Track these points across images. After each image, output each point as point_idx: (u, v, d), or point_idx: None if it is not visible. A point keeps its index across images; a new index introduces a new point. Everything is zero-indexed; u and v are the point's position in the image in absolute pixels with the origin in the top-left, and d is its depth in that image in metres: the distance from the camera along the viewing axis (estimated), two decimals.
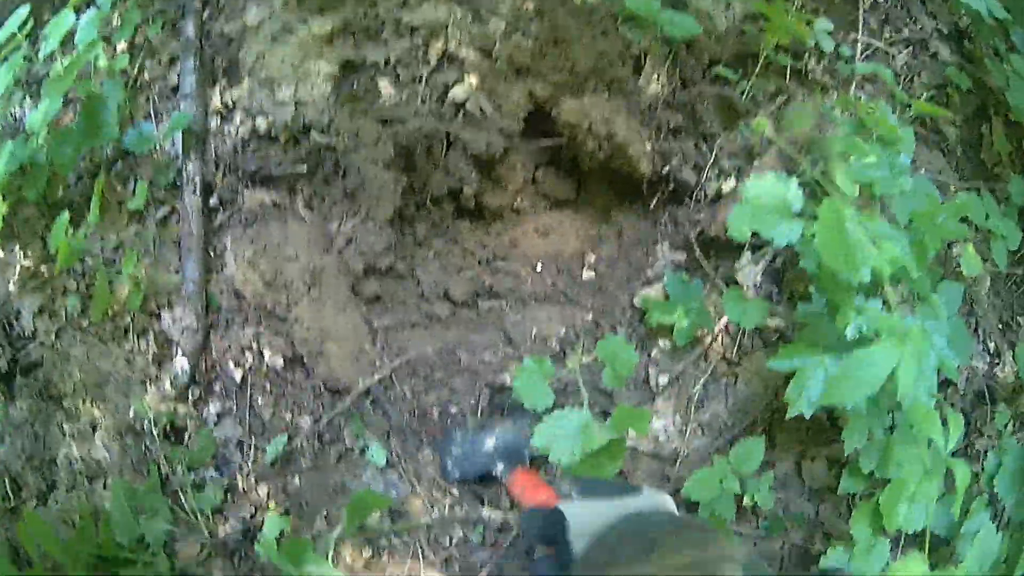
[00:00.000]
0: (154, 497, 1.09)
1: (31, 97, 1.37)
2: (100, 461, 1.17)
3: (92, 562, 1.10)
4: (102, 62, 1.28)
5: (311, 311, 1.05)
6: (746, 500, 1.06)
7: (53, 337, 1.24)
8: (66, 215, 1.15)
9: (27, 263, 1.29)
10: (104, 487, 1.17)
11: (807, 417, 0.94)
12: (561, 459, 0.88)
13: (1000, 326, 1.35)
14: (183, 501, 1.09)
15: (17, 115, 1.37)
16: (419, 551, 1.05)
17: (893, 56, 1.36)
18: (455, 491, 1.06)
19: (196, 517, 1.08)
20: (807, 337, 0.98)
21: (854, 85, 1.30)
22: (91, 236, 1.20)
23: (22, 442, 1.24)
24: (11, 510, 1.23)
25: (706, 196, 1.10)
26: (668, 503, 0.68)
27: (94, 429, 1.19)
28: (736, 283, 1.08)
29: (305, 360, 1.05)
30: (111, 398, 1.17)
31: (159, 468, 1.09)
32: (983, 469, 1.19)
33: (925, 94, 1.35)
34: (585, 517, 0.64)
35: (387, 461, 1.04)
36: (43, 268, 1.28)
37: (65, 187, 1.29)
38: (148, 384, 1.13)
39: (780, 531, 1.11)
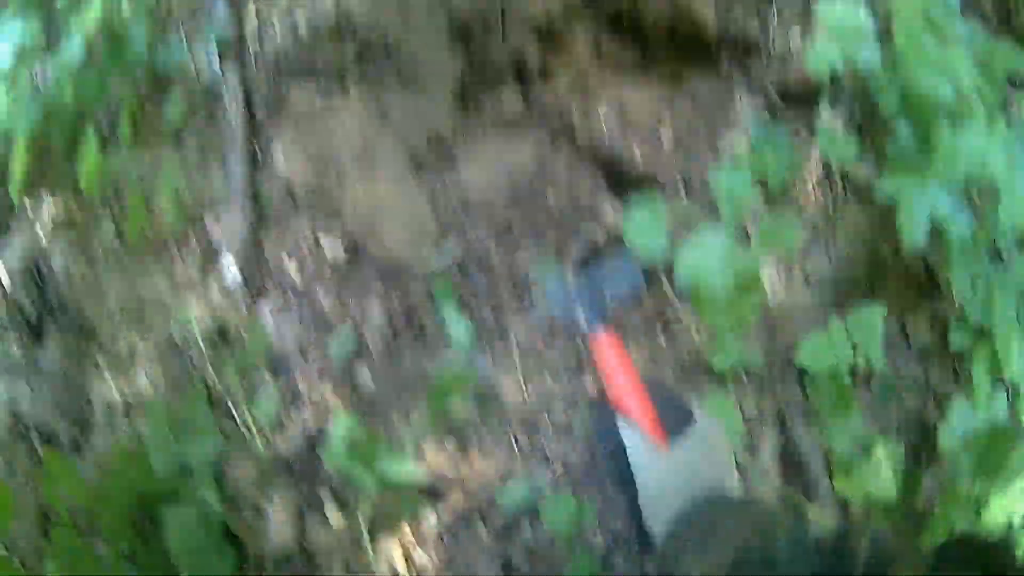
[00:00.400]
0: (199, 414, 0.97)
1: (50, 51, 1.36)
2: (140, 392, 1.07)
3: (128, 505, 0.98)
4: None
5: (365, 186, 0.98)
6: (858, 360, 0.97)
7: (87, 272, 1.16)
8: (94, 139, 1.11)
9: (57, 208, 1.23)
10: (144, 419, 1.06)
11: (921, 245, 0.88)
12: (713, 292, 0.79)
13: None
14: (234, 415, 0.98)
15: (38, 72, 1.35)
16: (513, 442, 0.94)
17: None
18: (550, 366, 0.95)
19: (250, 433, 0.97)
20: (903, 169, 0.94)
21: None
22: (123, 158, 1.15)
23: (51, 389, 1.13)
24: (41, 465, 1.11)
25: (775, 51, 1.07)
26: (718, 435, 0.69)
27: (133, 358, 1.09)
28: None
29: (362, 242, 0.98)
30: (151, 320, 1.08)
31: (205, 381, 0.99)
32: None
33: None
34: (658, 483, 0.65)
35: (470, 341, 0.94)
36: (73, 207, 1.22)
37: (95, 128, 1.25)
38: (193, 293, 1.04)
39: (893, 397, 1.01)
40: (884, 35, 0.95)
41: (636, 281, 0.97)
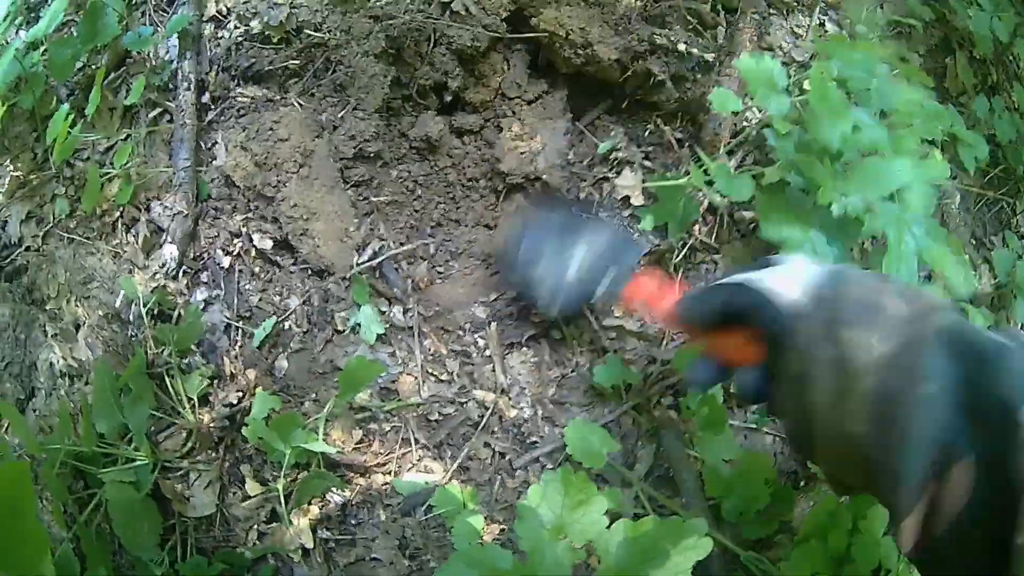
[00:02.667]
0: (139, 380, 1.05)
1: (28, 24, 1.41)
2: (83, 361, 1.15)
3: (70, 462, 1.07)
4: None
5: (300, 190, 1.05)
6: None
7: (40, 241, 1.24)
8: (66, 108, 1.17)
9: (17, 174, 1.30)
10: (87, 385, 1.14)
11: None
12: None
13: (973, 242, 1.39)
14: (168, 388, 1.07)
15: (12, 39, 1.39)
16: (410, 435, 1.03)
17: None
18: (448, 369, 1.05)
19: (182, 404, 1.06)
20: (790, 215, 1.01)
21: (817, 10, 1.37)
22: (84, 135, 1.21)
23: (2, 348, 1.21)
24: None
25: (682, 99, 1.13)
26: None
27: (77, 328, 1.17)
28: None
29: (292, 240, 1.05)
30: (96, 295, 1.16)
31: (145, 351, 1.07)
32: None
33: (888, 26, 1.43)
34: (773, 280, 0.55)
35: (379, 337, 1.03)
36: (32, 177, 1.28)
37: (59, 101, 1.30)
38: (136, 271, 1.12)
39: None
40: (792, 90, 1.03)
41: (638, 250, 0.97)
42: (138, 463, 1.06)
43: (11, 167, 1.32)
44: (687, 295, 0.65)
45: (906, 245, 0.94)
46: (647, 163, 1.15)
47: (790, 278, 0.54)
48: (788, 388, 0.51)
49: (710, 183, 1.07)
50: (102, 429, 1.06)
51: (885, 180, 0.92)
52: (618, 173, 1.13)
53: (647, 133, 1.16)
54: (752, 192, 1.02)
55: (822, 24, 1.39)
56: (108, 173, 1.18)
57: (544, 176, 1.06)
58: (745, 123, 1.18)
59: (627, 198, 1.11)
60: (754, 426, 1.09)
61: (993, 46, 1.44)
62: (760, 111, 1.19)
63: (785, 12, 1.37)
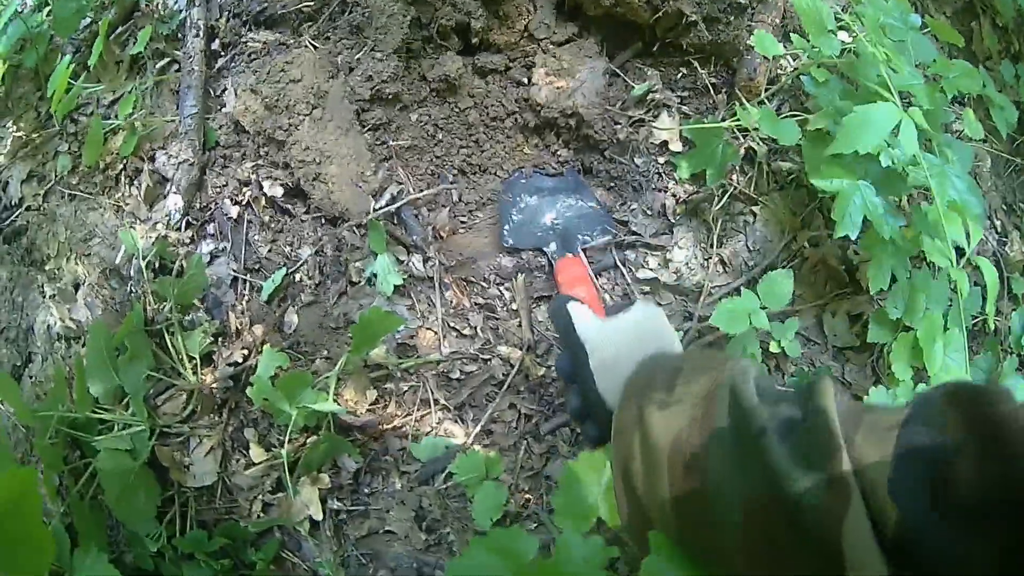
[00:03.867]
0: (136, 338, 0.97)
1: None
2: (81, 323, 1.08)
3: (63, 429, 0.99)
4: None
5: (313, 132, 0.97)
6: (773, 346, 0.96)
7: (40, 200, 1.17)
8: (68, 58, 1.11)
9: (19, 134, 1.24)
10: (84, 347, 1.07)
11: (852, 237, 0.88)
12: None
13: (1004, 207, 1.30)
14: (168, 347, 0.99)
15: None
16: (429, 395, 0.94)
17: None
18: (471, 323, 0.95)
19: (183, 364, 0.97)
20: (837, 165, 0.93)
21: None
22: (87, 88, 1.15)
23: None
24: None
25: (715, 41, 1.05)
26: (661, 315, 0.67)
27: (77, 288, 1.10)
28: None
29: (304, 185, 0.97)
30: (96, 252, 1.09)
31: (145, 307, 0.99)
32: (1007, 334, 1.11)
33: None
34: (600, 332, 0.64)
35: (396, 289, 0.94)
36: (35, 135, 1.23)
37: (63, 58, 1.25)
38: (138, 223, 1.05)
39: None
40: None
41: (610, 232, 0.99)
42: (134, 429, 0.98)
43: (14, 127, 1.26)
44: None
45: (947, 196, 0.88)
46: (683, 108, 1.06)
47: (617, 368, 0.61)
48: None
49: (745, 131, 1.00)
50: (97, 392, 0.98)
51: (880, 123, 0.84)
52: (655, 117, 1.04)
53: (680, 77, 1.08)
54: (797, 136, 0.95)
55: None
56: (112, 125, 1.11)
57: (582, 111, 0.97)
58: (779, 71, 1.10)
59: (665, 143, 1.02)
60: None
61: (1014, 14, 1.38)
62: (794, 60, 1.12)
63: None
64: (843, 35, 1.07)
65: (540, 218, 0.98)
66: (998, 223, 1.24)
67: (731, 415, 0.43)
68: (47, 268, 1.13)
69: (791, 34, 1.05)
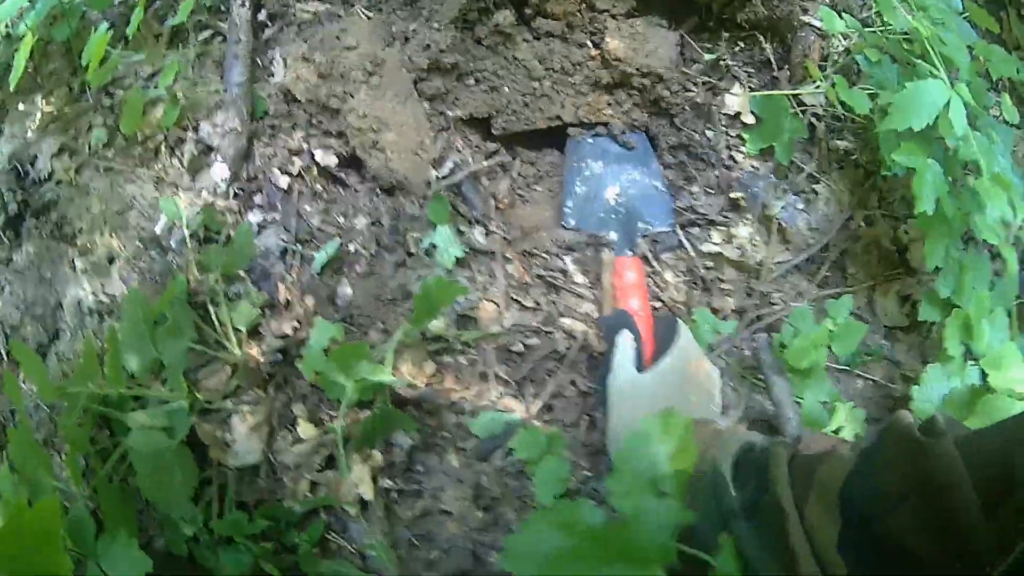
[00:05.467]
0: (178, 309, 0.93)
1: None
2: (115, 297, 1.03)
3: (93, 407, 0.94)
4: None
5: (369, 100, 0.95)
6: (828, 324, 0.96)
7: (72, 174, 1.13)
8: (104, 26, 1.08)
9: (50, 108, 1.20)
10: (117, 321, 1.02)
11: (930, 213, 0.88)
12: None
13: None
14: (212, 319, 0.94)
15: None
16: (489, 369, 0.91)
17: None
18: (533, 297, 0.93)
19: (228, 337, 0.93)
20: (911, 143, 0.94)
21: None
22: (125, 58, 1.12)
23: (24, 289, 1.10)
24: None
25: (771, 16, 1.05)
26: (697, 356, 0.73)
27: (111, 262, 1.05)
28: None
29: (360, 154, 0.95)
30: (134, 224, 1.05)
31: (187, 277, 0.95)
32: None
33: None
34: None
35: (458, 259, 0.92)
36: (67, 109, 1.19)
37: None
38: (180, 192, 1.01)
39: (859, 364, 1.00)
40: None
41: (669, 221, 0.97)
42: (172, 405, 0.93)
43: (44, 103, 1.22)
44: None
45: (995, 175, 0.90)
46: (750, 82, 1.06)
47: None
48: None
49: (805, 106, 1.00)
50: (132, 367, 0.93)
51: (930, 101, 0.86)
52: (728, 87, 1.03)
53: (738, 51, 1.08)
54: (869, 106, 0.95)
55: None
56: (152, 95, 1.08)
57: (660, 70, 0.96)
58: (831, 48, 1.11)
59: (738, 115, 1.02)
60: (847, 368, 0.99)
61: None
62: (845, 39, 1.13)
63: None
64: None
65: (603, 191, 0.96)
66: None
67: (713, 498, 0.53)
68: (79, 243, 1.08)
69: (842, 13, 1.06)
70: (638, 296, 0.87)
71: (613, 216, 0.96)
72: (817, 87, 0.98)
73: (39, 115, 1.21)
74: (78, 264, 1.07)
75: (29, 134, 1.19)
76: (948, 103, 0.84)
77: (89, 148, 1.14)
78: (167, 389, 0.94)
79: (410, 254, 0.93)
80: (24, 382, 1.06)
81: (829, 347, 0.96)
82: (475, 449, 0.88)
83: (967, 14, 1.15)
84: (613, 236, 0.94)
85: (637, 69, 0.96)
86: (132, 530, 0.95)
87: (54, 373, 1.05)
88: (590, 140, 0.99)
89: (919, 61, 0.94)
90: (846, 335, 0.94)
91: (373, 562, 0.89)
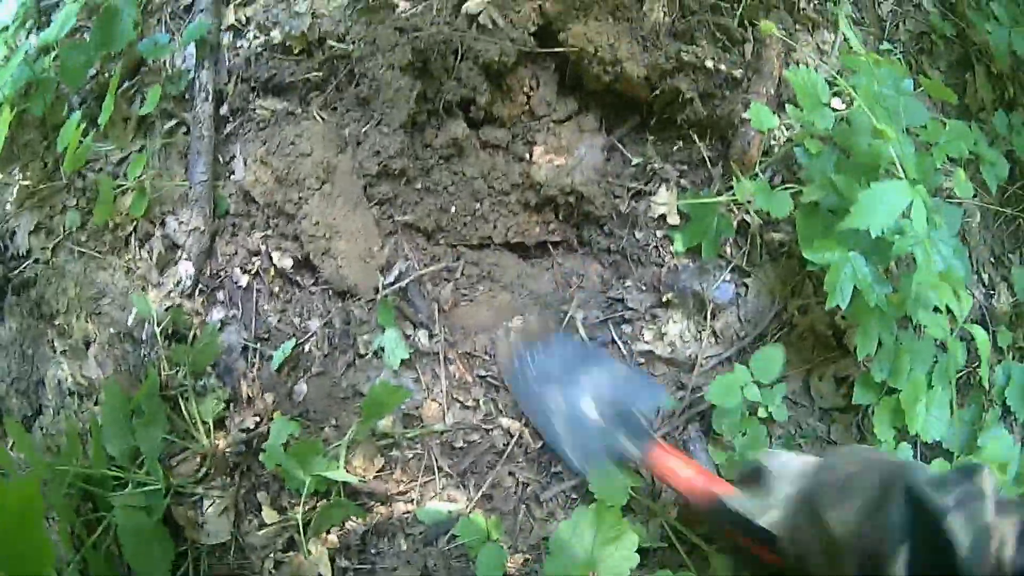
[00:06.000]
0: (152, 402, 1.02)
1: (39, 29, 1.37)
2: (92, 380, 1.12)
3: (78, 483, 1.04)
4: None
5: (322, 207, 1.02)
6: (761, 412, 1.03)
7: (49, 254, 1.20)
8: (78, 115, 1.13)
9: (26, 183, 1.26)
10: (96, 405, 1.11)
11: (842, 308, 0.92)
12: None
13: (992, 260, 1.37)
14: (182, 410, 1.03)
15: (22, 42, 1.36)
16: (433, 463, 1.00)
17: (879, 3, 1.42)
18: (474, 396, 1.02)
19: (197, 428, 1.02)
20: (830, 237, 0.98)
21: (842, 26, 1.34)
22: (97, 146, 1.18)
23: (8, 363, 1.18)
24: None
25: (711, 116, 1.10)
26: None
27: (87, 346, 1.13)
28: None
29: (313, 259, 1.02)
30: (107, 312, 1.13)
31: (159, 372, 1.04)
32: (991, 387, 1.18)
33: (910, 41, 1.41)
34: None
35: (402, 362, 1.00)
36: (42, 187, 1.25)
37: (70, 109, 1.27)
38: (150, 288, 1.09)
39: (793, 447, 1.08)
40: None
41: (659, 393, 1.01)
42: (150, 487, 1.03)
43: (20, 176, 1.28)
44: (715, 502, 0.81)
45: (934, 265, 0.92)
46: (681, 181, 1.12)
47: (767, 496, 0.75)
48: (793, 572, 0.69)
49: (739, 204, 1.05)
50: (113, 451, 1.03)
51: (892, 203, 0.88)
52: (654, 191, 1.10)
53: (676, 150, 1.14)
54: (790, 208, 1.00)
55: (847, 40, 1.36)
56: (122, 185, 1.14)
57: (581, 188, 1.03)
58: (773, 141, 1.16)
59: (663, 216, 1.09)
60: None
61: (1010, 60, 1.43)
62: (788, 129, 1.17)
63: (811, 28, 1.34)
64: (836, 101, 1.11)
65: (584, 417, 0.95)
66: (985, 276, 1.30)
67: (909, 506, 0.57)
68: (57, 323, 1.16)
69: (786, 104, 1.10)
70: (688, 465, 0.87)
71: (611, 428, 0.94)
72: (735, 196, 1.01)
73: (16, 189, 1.27)
74: (57, 345, 1.16)
75: (7, 208, 1.26)
76: (910, 205, 0.87)
77: (64, 229, 1.21)
78: (144, 473, 1.03)
79: (360, 355, 1.01)
80: (13, 451, 1.16)
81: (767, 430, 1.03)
82: (423, 534, 0.98)
83: (921, 89, 1.15)
84: (628, 444, 0.92)
85: (560, 190, 1.03)
86: None
87: (39, 446, 1.15)
88: (529, 374, 0.98)
89: (861, 153, 0.97)
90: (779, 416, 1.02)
91: None
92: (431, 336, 1.01)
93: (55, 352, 1.15)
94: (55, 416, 1.14)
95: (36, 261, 1.22)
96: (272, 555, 1.01)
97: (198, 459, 1.03)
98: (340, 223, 1.02)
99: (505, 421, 0.99)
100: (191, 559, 1.03)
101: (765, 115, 1.02)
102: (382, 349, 1.00)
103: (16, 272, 1.21)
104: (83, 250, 1.17)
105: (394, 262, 1.02)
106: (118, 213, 1.15)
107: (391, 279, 1.00)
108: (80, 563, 1.04)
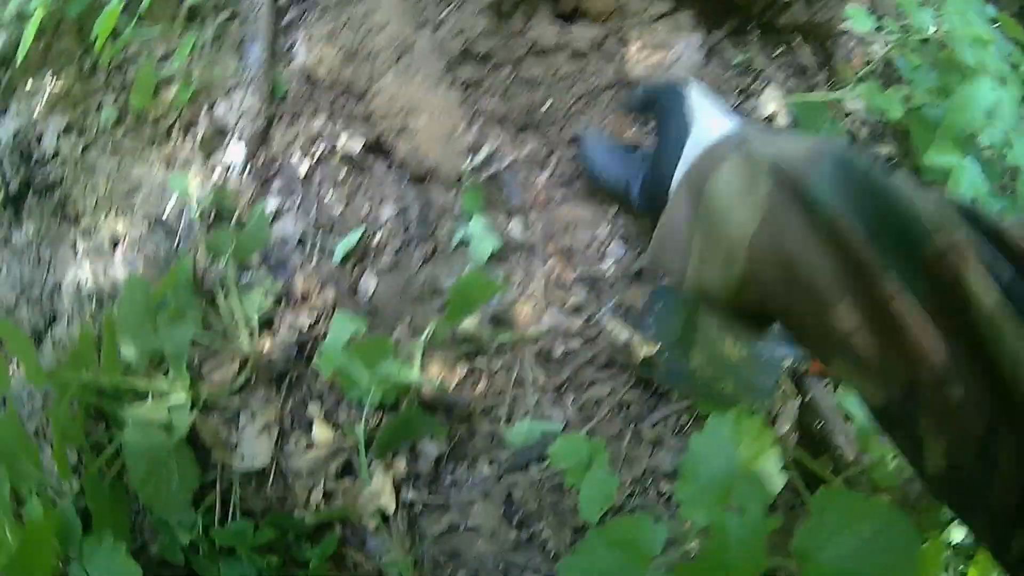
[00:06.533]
0: (183, 294, 0.86)
1: None
2: (117, 281, 0.96)
3: (87, 398, 0.87)
4: None
5: (398, 83, 0.89)
6: None
7: (79, 153, 1.06)
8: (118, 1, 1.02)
9: (59, 86, 1.14)
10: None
11: None
12: None
13: None
14: (220, 307, 0.87)
15: None
16: (526, 374, 0.83)
17: None
18: (574, 297, 0.85)
19: (237, 328, 0.86)
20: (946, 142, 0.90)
21: None
22: (138, 32, 1.05)
23: (21, 270, 1.02)
24: None
25: (811, 21, 1.00)
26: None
27: (115, 245, 0.98)
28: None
29: (386, 140, 0.88)
30: (141, 207, 0.98)
31: (194, 264, 0.88)
32: None
33: None
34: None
35: (493, 253, 0.84)
36: (76, 88, 1.12)
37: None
38: (194, 173, 0.94)
39: None
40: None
41: None
42: (173, 399, 0.86)
43: (52, 80, 1.16)
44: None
45: None
46: (788, 83, 1.01)
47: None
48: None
49: (847, 113, 0.96)
50: (130, 355, 0.86)
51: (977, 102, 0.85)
52: (760, 91, 0.98)
53: (778, 54, 1.02)
54: (902, 111, 0.91)
55: None
56: (166, 75, 1.02)
57: None
58: (871, 53, 1.07)
59: (772, 116, 0.96)
60: None
61: None
62: (887, 43, 1.09)
63: None
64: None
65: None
66: None
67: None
68: (82, 223, 1.02)
69: (882, 17, 1.02)
70: None
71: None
72: (852, 92, 0.94)
73: (47, 93, 1.14)
74: (80, 245, 1.00)
75: (36, 112, 1.13)
76: (1000, 101, 0.84)
77: (98, 127, 1.07)
78: (168, 381, 0.86)
79: (439, 247, 0.86)
80: (17, 366, 0.99)
81: None
82: (509, 460, 0.81)
83: (998, 24, 1.11)
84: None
85: None
86: (123, 533, 0.87)
87: (50, 359, 0.98)
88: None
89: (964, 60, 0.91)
90: None
91: None
92: (526, 226, 0.86)
93: (76, 253, 1.00)
94: (70, 325, 0.98)
95: (64, 162, 1.08)
96: (322, 484, 0.83)
97: (236, 365, 0.86)
98: (419, 100, 0.89)
99: (612, 327, 0.83)
100: (219, 489, 0.85)
101: (863, 17, 0.97)
102: (467, 240, 0.85)
103: (40, 175, 1.07)
104: (118, 146, 1.03)
105: (482, 144, 0.88)
106: (161, 104, 1.02)
107: (479, 162, 0.86)
108: (81, 493, 0.86)
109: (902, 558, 0.53)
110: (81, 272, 0.97)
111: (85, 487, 0.84)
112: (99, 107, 1.09)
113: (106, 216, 1.00)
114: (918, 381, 0.38)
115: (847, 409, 0.81)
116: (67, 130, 1.09)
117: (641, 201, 0.72)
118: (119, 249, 0.96)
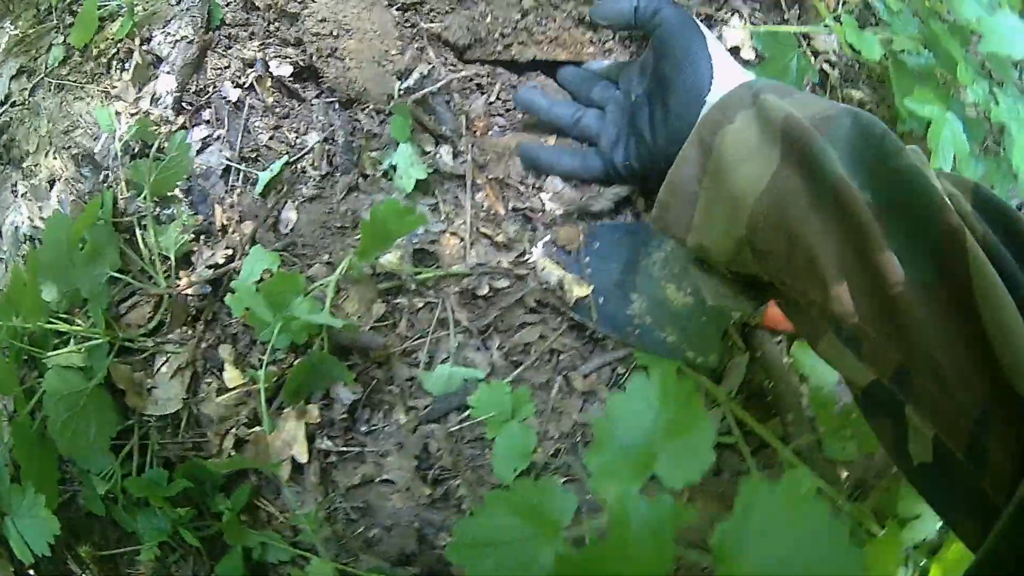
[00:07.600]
0: (101, 232, 0.81)
1: None
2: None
3: (16, 341, 0.83)
4: None
5: (331, 4, 0.82)
6: None
7: (27, 95, 1.04)
8: None
9: (16, 32, 1.12)
10: None
11: (947, 171, 0.76)
12: None
13: None
14: (139, 244, 0.82)
15: None
16: (449, 314, 0.75)
17: None
18: (505, 232, 0.77)
19: (154, 265, 0.81)
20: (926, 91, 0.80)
21: None
22: None
23: None
24: None
25: None
26: None
27: (52, 184, 0.95)
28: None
29: (317, 61, 0.82)
30: (78, 143, 0.94)
31: (115, 195, 0.84)
32: None
33: None
34: None
35: (418, 184, 0.77)
36: (31, 31, 1.10)
37: None
38: (123, 107, 0.90)
39: None
40: None
41: None
42: (92, 342, 0.82)
43: (11, 27, 1.14)
44: None
45: None
46: (755, 16, 0.90)
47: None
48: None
49: (817, 52, 0.85)
50: (51, 297, 0.82)
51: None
52: (725, 20, 0.87)
53: None
54: (880, 54, 0.80)
55: None
56: (110, 8, 0.98)
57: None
58: None
59: (736, 49, 0.85)
60: None
61: None
62: None
63: None
64: None
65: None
66: None
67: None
68: (24, 165, 0.98)
69: None
70: None
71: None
72: (827, 27, 0.83)
73: (5, 40, 1.12)
74: (20, 188, 0.97)
75: None
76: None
77: (46, 67, 1.04)
78: (87, 323, 0.82)
79: (365, 175, 0.78)
80: None
81: None
82: (428, 409, 0.73)
83: None
84: None
85: None
86: (48, 484, 0.83)
87: None
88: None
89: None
90: None
91: (306, 536, 0.75)
92: (455, 154, 0.78)
93: (15, 196, 0.97)
94: (7, 270, 0.95)
95: (13, 105, 1.05)
96: (234, 430, 0.77)
97: (152, 304, 0.81)
98: (351, 21, 0.82)
99: (544, 265, 0.74)
100: (137, 437, 0.81)
101: None
102: (393, 168, 0.78)
103: None
104: (62, 83, 1.00)
105: (415, 68, 0.80)
106: (103, 39, 0.98)
107: (410, 84, 0.78)
108: (7, 446, 0.83)
109: (839, 570, 0.43)
110: (18, 215, 0.94)
111: (13, 437, 0.81)
112: (48, 48, 1.06)
113: (45, 156, 0.96)
114: (911, 365, 0.37)
115: (802, 369, 0.70)
116: (18, 74, 1.07)
117: (637, 166, 0.63)
118: (55, 189, 0.93)
